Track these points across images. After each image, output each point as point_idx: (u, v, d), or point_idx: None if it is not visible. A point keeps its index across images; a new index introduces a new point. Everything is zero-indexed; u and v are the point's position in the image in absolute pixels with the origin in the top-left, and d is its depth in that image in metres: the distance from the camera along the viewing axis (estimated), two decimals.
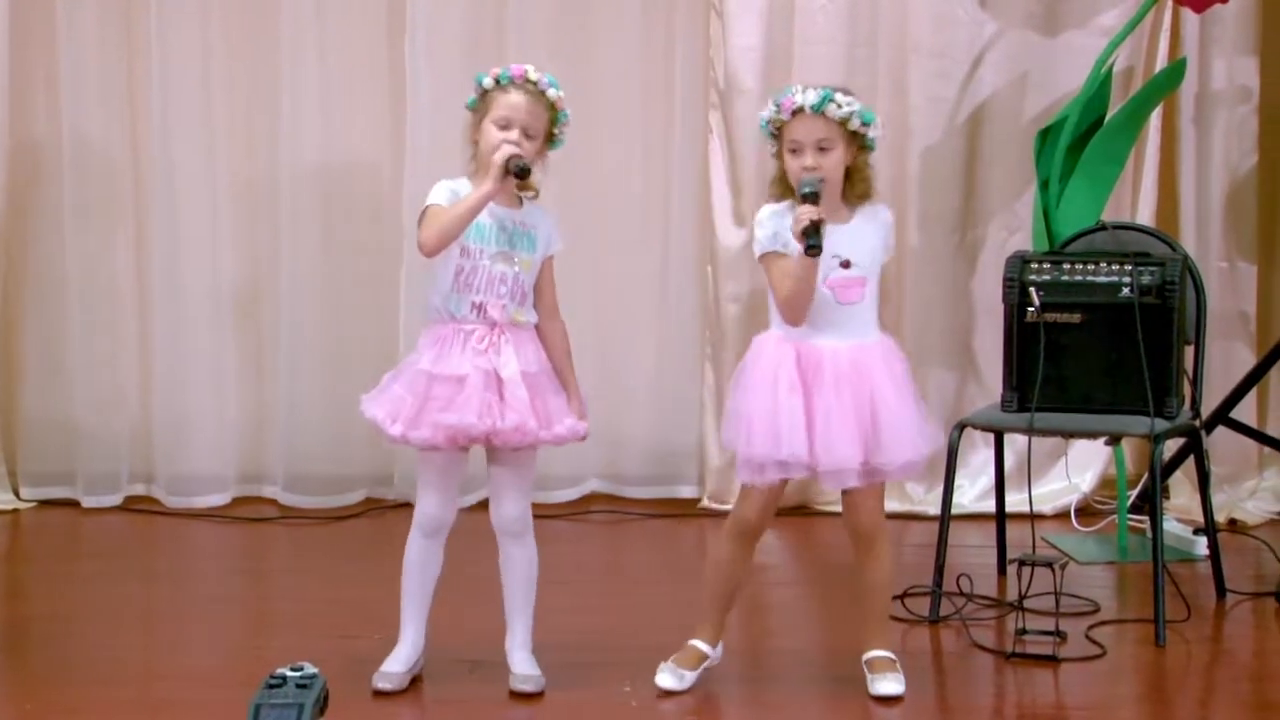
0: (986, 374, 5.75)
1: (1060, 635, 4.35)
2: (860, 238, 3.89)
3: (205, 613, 4.74)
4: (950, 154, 5.79)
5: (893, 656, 4.01)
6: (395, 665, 3.99)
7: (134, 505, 5.91)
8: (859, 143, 3.86)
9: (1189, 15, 5.64)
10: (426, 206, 3.86)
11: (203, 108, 5.85)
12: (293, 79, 5.82)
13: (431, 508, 3.99)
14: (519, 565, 4.02)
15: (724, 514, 5.48)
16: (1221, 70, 5.76)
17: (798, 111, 3.83)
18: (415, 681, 4.02)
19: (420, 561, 4.02)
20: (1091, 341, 4.62)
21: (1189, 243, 5.63)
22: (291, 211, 5.85)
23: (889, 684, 3.94)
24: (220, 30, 5.84)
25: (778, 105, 3.86)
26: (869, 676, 3.97)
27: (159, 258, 5.87)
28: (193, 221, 5.89)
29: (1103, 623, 4.53)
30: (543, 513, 5.67)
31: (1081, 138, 5.34)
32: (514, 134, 3.86)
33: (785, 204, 3.87)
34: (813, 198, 3.75)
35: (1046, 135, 5.40)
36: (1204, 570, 4.94)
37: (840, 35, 5.74)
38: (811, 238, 3.69)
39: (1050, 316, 4.63)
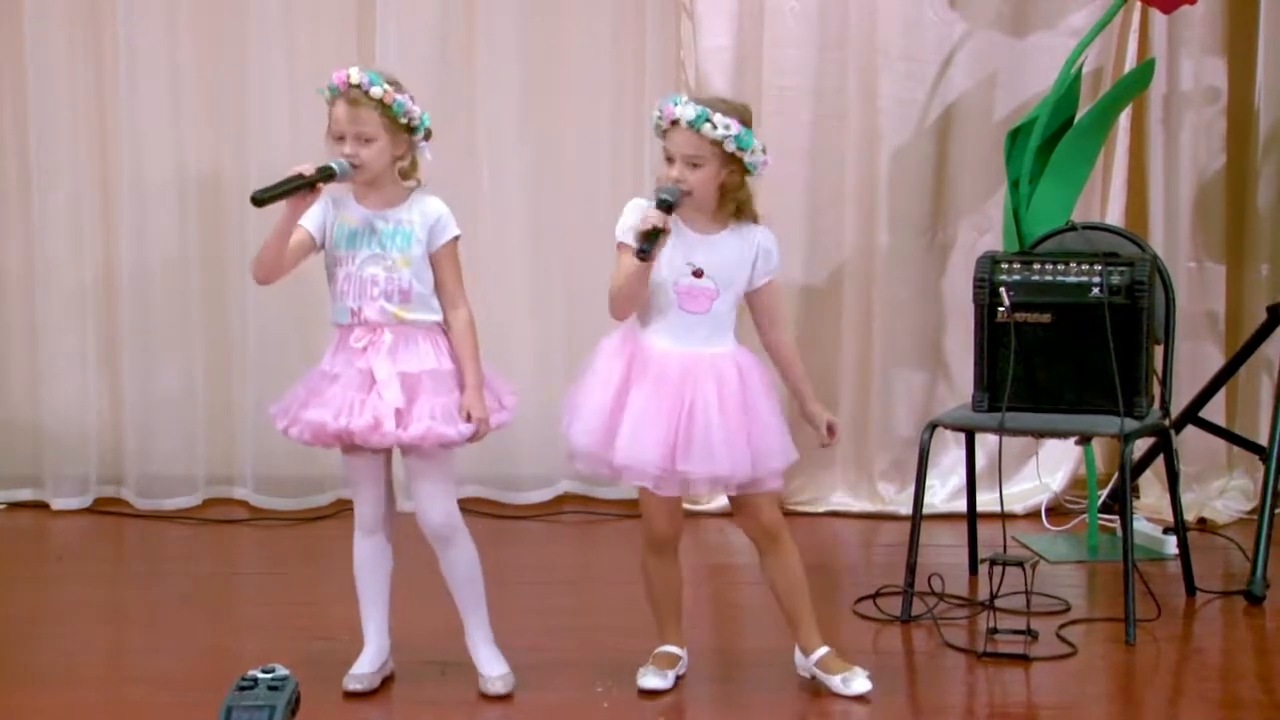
0: (957, 374, 5.76)
1: (1031, 634, 4.36)
2: (723, 253, 3.89)
3: (176, 615, 4.72)
4: (920, 155, 5.79)
5: (834, 650, 4.01)
6: (364, 666, 3.99)
7: (103, 507, 5.89)
8: (736, 164, 3.84)
9: (1157, 16, 5.66)
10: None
11: (170, 108, 5.83)
12: (260, 79, 5.80)
13: (361, 508, 4.03)
14: (458, 568, 4.01)
15: (695, 514, 5.52)
16: (1190, 71, 5.78)
17: (675, 122, 3.83)
18: (387, 683, 4.02)
19: (367, 560, 4.04)
20: (1061, 341, 4.64)
21: (1158, 243, 5.64)
22: (259, 212, 5.78)
23: (859, 681, 3.95)
24: (188, 31, 5.81)
25: (660, 112, 3.87)
26: (828, 679, 3.98)
27: (126, 259, 5.84)
28: (160, 223, 5.86)
29: (1073, 622, 4.54)
30: (514, 514, 5.72)
31: (1051, 138, 5.36)
32: (348, 146, 3.85)
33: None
34: (664, 205, 3.78)
35: (1016, 136, 5.41)
36: (1174, 569, 4.96)
37: (810, 37, 5.74)
38: (644, 242, 3.73)
39: (1020, 316, 4.64)
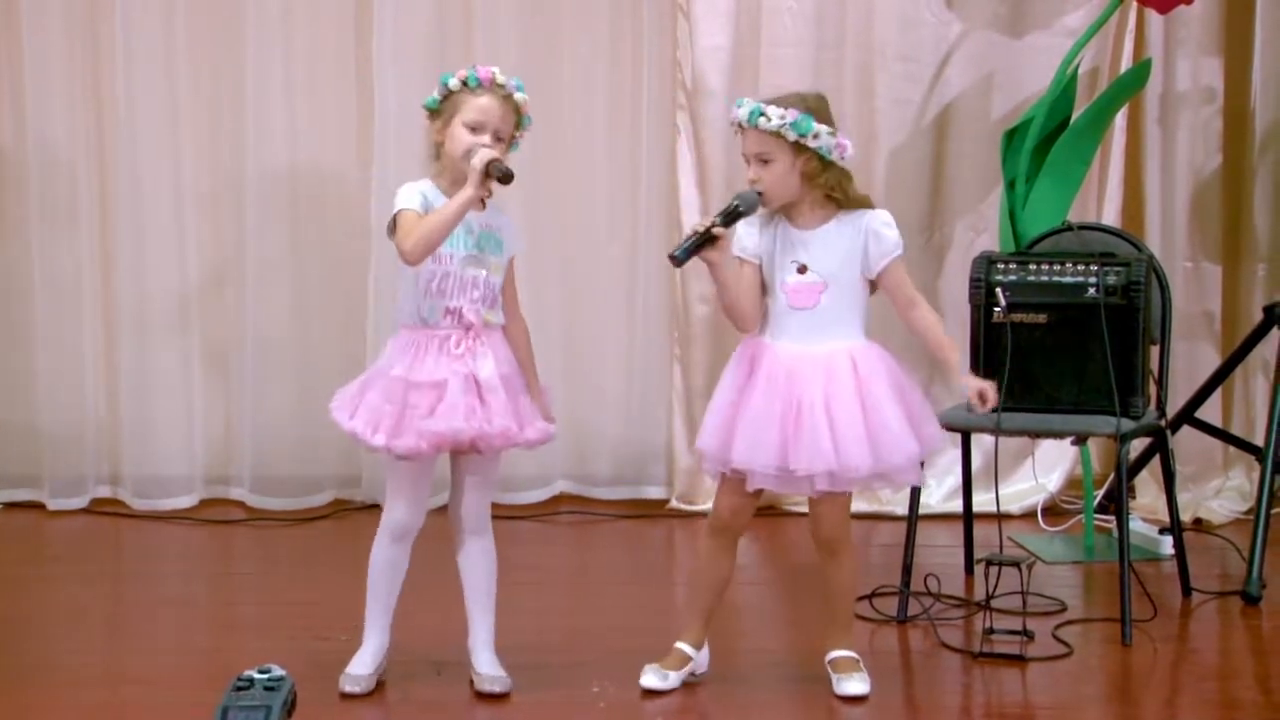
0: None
1: (1027, 635, 4.36)
2: (826, 244, 3.90)
3: (172, 615, 4.72)
4: (917, 155, 5.80)
5: (856, 656, 4.03)
6: (361, 668, 3.98)
7: (100, 508, 5.88)
8: (809, 152, 3.86)
9: (1154, 16, 5.66)
10: (397, 211, 3.84)
11: (168, 110, 5.83)
12: (258, 81, 5.79)
13: (401, 514, 3.98)
14: (478, 560, 4.02)
15: (692, 515, 5.53)
16: (1186, 71, 5.78)
17: (737, 126, 3.89)
18: (380, 683, 4.01)
19: (387, 566, 4.02)
20: (1057, 342, 4.64)
21: (1154, 243, 5.65)
22: (258, 214, 5.83)
23: (855, 684, 3.96)
24: (185, 32, 5.81)
25: (731, 120, 3.93)
26: (834, 676, 3.99)
27: (124, 261, 5.85)
28: (158, 224, 5.86)
29: (1069, 622, 4.54)
30: (510, 514, 5.71)
31: (1047, 138, 5.36)
32: (486, 137, 3.85)
33: (763, 212, 3.92)
34: (731, 214, 3.84)
35: (1012, 136, 5.42)
36: (1169, 569, 4.96)
37: (807, 37, 5.75)
38: (678, 250, 3.82)
39: (1017, 317, 4.64)
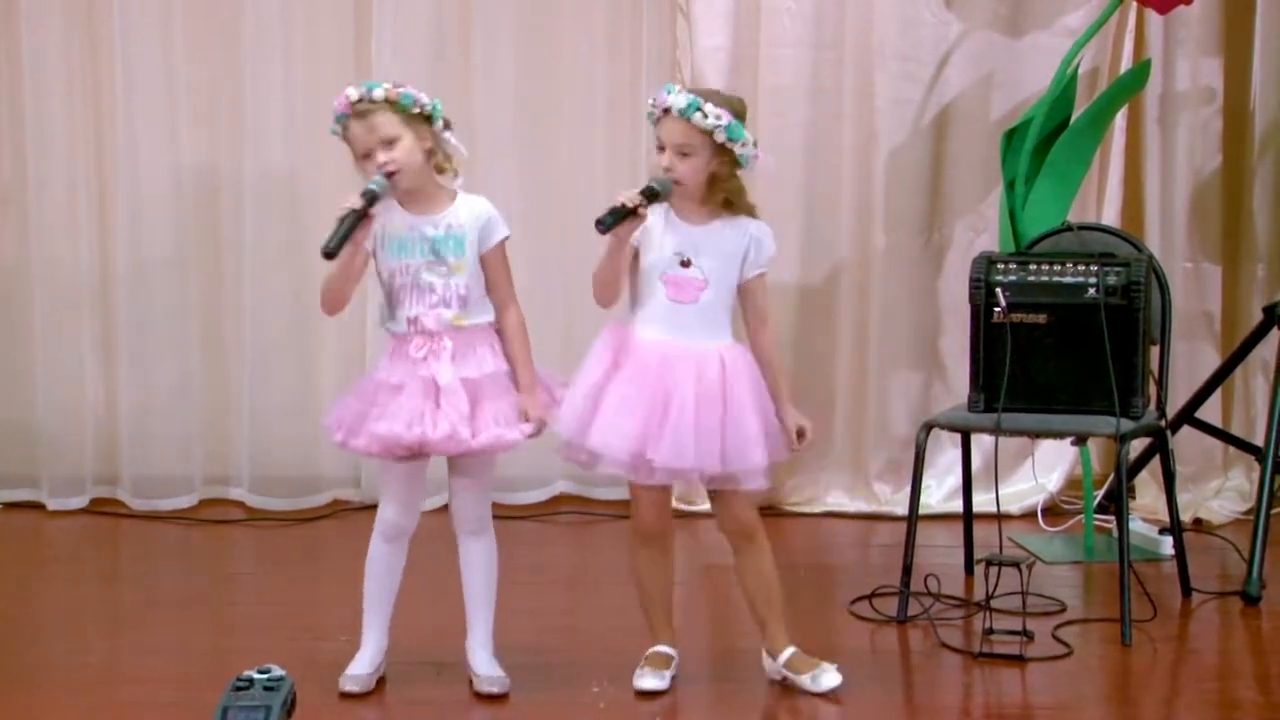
0: (953, 374, 5.76)
1: (1027, 635, 4.36)
2: (712, 244, 3.90)
3: (171, 615, 4.72)
4: (916, 155, 5.79)
5: (800, 650, 4.02)
6: (360, 668, 3.98)
7: (99, 508, 5.88)
8: (728, 155, 3.85)
9: (1153, 16, 5.66)
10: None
11: (167, 109, 5.83)
12: (257, 80, 5.79)
13: (392, 514, 3.99)
14: (478, 560, 4.02)
15: (692, 515, 5.52)
16: (1186, 71, 5.78)
17: (667, 111, 3.85)
18: (380, 683, 4.01)
19: (382, 566, 4.02)
20: (1057, 342, 4.64)
21: (1154, 243, 5.64)
22: (257, 213, 5.82)
23: (829, 676, 3.96)
24: (184, 32, 5.80)
25: (654, 101, 3.89)
26: (797, 678, 3.99)
27: (122, 260, 5.84)
28: (157, 224, 5.86)
29: (1069, 622, 4.54)
30: (511, 514, 5.71)
31: (1047, 139, 5.36)
32: (380, 156, 3.82)
33: None
34: (649, 193, 3.80)
35: (1012, 136, 5.42)
36: (1169, 569, 4.95)
37: (806, 37, 5.74)
38: (607, 214, 3.75)
39: (1016, 317, 4.64)
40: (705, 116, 3.80)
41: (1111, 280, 4.59)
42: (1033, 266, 4.68)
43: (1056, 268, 4.65)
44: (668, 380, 3.84)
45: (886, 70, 5.75)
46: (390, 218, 3.88)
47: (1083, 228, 5.01)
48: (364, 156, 3.85)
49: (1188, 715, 4.01)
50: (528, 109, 5.88)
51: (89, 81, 5.81)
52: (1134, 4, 5.57)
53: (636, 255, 3.91)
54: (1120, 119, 5.71)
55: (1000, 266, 4.70)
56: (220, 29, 5.81)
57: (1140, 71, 5.59)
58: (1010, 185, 5.37)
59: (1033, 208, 5.32)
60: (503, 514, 5.72)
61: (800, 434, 4.00)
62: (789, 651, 4.01)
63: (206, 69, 5.84)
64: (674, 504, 5.80)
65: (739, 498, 3.96)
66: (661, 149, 3.87)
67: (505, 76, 5.84)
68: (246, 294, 5.84)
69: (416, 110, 3.87)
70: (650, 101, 3.91)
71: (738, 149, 3.84)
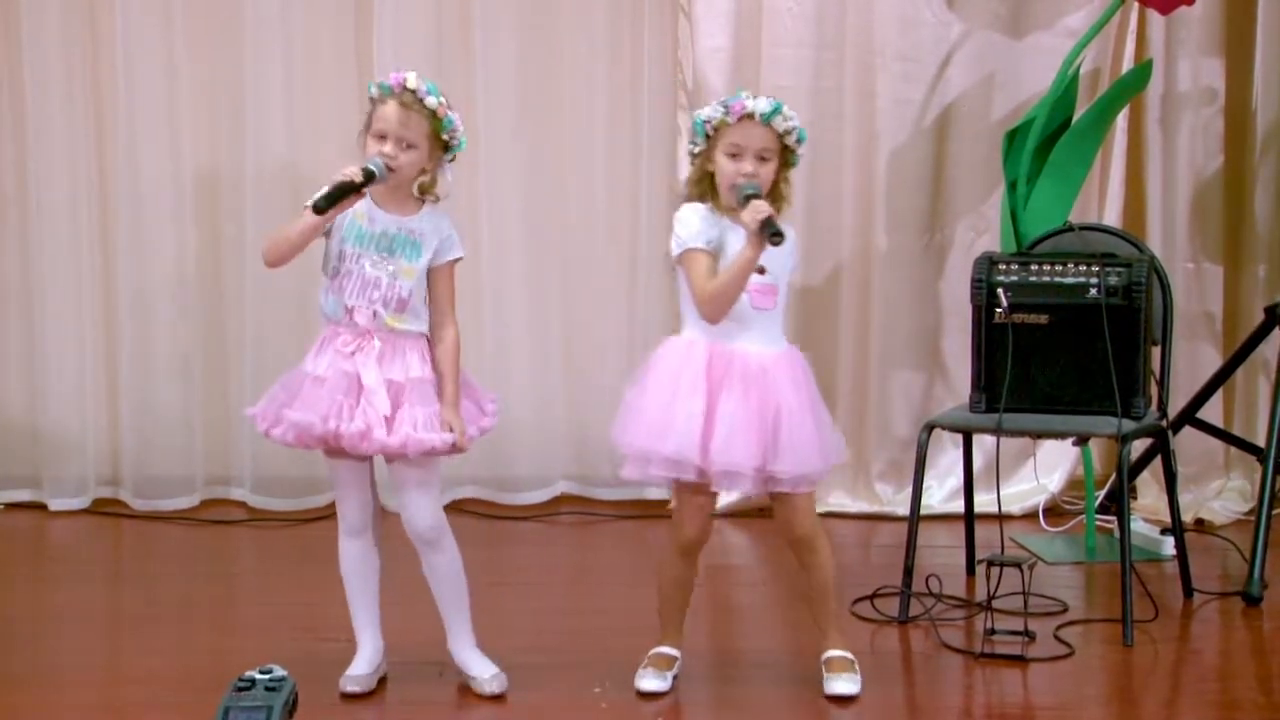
0: (954, 375, 5.76)
1: (1029, 635, 4.36)
2: (779, 249, 3.89)
3: (173, 615, 4.72)
4: (918, 156, 5.80)
5: (850, 656, 4.03)
6: (360, 668, 3.99)
7: (101, 508, 5.88)
8: (787, 158, 3.90)
9: (1155, 17, 5.66)
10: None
11: (167, 107, 5.83)
12: (258, 79, 5.80)
13: (347, 509, 4.03)
14: (442, 570, 4.01)
15: None
16: (1187, 72, 5.78)
17: (746, 117, 3.85)
18: (381, 684, 4.02)
19: (355, 563, 4.05)
20: (1059, 342, 4.64)
21: (1155, 244, 5.65)
22: (257, 211, 5.82)
23: (843, 683, 3.97)
24: (184, 31, 5.80)
25: (726, 108, 3.88)
26: (825, 676, 4.00)
27: (124, 259, 5.84)
28: (158, 224, 5.86)
29: (1071, 623, 4.54)
30: (512, 514, 5.72)
31: (1049, 139, 5.36)
32: (388, 146, 3.84)
33: (708, 204, 3.90)
34: (757, 197, 3.78)
35: (1014, 137, 5.42)
36: (1171, 570, 4.96)
37: (807, 37, 5.74)
38: (773, 227, 3.71)
39: (1018, 317, 4.64)
40: (785, 119, 3.85)
41: (1113, 281, 4.59)
42: (1034, 267, 4.68)
43: (1058, 268, 4.65)
44: (773, 389, 3.85)
45: (888, 70, 5.75)
46: (357, 205, 3.88)
47: (1084, 228, 5.01)
48: (378, 136, 3.86)
49: (1189, 716, 4.01)
50: (529, 109, 5.88)
51: (89, 82, 5.81)
52: (1135, 4, 5.57)
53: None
54: (1122, 119, 5.71)
55: (1002, 267, 4.70)
56: (221, 28, 5.81)
57: (1142, 72, 5.59)
58: (1012, 186, 5.37)
59: (1034, 208, 5.32)
60: (504, 515, 5.76)
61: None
62: (830, 652, 4.04)
63: (208, 68, 5.84)
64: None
65: (804, 501, 3.97)
66: (733, 156, 3.85)
67: (506, 77, 5.84)
68: (248, 293, 5.83)
69: (446, 137, 3.91)
70: (713, 112, 3.89)
71: (799, 150, 3.89)
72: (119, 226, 5.85)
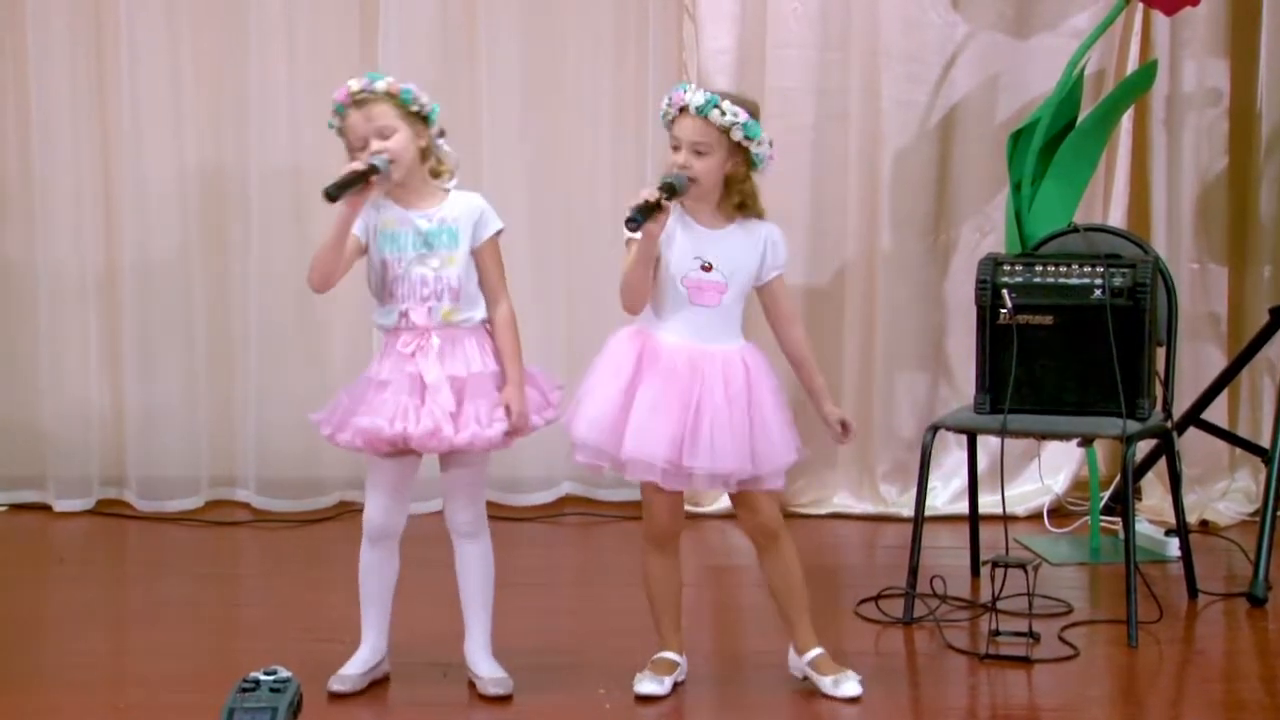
0: (959, 376, 5.75)
1: (1033, 636, 4.36)
2: (730, 247, 3.90)
3: (177, 616, 4.72)
4: (922, 157, 5.79)
5: (827, 653, 4.02)
6: (352, 668, 4.00)
7: (105, 509, 5.88)
8: (743, 155, 3.87)
9: (1160, 18, 5.65)
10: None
11: (172, 109, 5.83)
12: (262, 80, 5.80)
13: (377, 514, 4.01)
14: (474, 563, 4.01)
15: (698, 516, 5.52)
16: (1192, 72, 5.77)
17: (682, 110, 3.85)
18: (384, 684, 4.02)
19: (372, 568, 4.04)
20: (1064, 343, 4.64)
21: (1160, 244, 5.64)
22: (262, 214, 5.82)
23: (851, 684, 3.96)
24: (189, 31, 5.81)
25: (669, 99, 3.89)
26: (819, 679, 3.99)
27: (128, 260, 5.85)
28: (163, 225, 5.86)
29: (1076, 624, 4.54)
30: (516, 515, 5.71)
31: (1053, 140, 5.35)
32: (373, 145, 3.84)
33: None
34: (667, 188, 3.77)
35: (1018, 138, 5.41)
36: (1176, 571, 4.96)
37: (812, 38, 5.74)
38: (635, 212, 3.71)
39: (1023, 318, 4.64)
40: (722, 114, 3.81)
41: (1118, 281, 4.59)
42: (1039, 268, 4.68)
43: (1063, 269, 4.65)
44: (697, 384, 3.85)
45: (892, 72, 5.75)
46: (385, 213, 3.90)
47: (1089, 229, 5.01)
48: (360, 148, 3.87)
49: (1193, 717, 4.00)
50: (534, 110, 5.88)
51: (94, 81, 5.82)
52: (1140, 5, 5.56)
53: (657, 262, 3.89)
54: (1126, 120, 5.71)
55: (1006, 268, 4.70)
56: (226, 28, 5.81)
57: (1146, 73, 5.59)
58: (1016, 186, 5.37)
59: (1039, 209, 5.31)
60: (509, 516, 5.76)
61: (845, 427, 4.02)
62: (815, 652, 4.02)
63: (212, 68, 5.84)
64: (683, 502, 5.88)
65: (764, 498, 3.96)
66: (676, 148, 3.86)
67: (510, 78, 5.84)
68: (252, 294, 5.84)
69: (415, 108, 3.90)
70: (665, 101, 3.91)
71: (754, 148, 3.85)
72: (123, 227, 5.85)
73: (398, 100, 3.87)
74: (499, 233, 3.98)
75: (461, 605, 4.04)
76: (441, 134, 3.98)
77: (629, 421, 3.83)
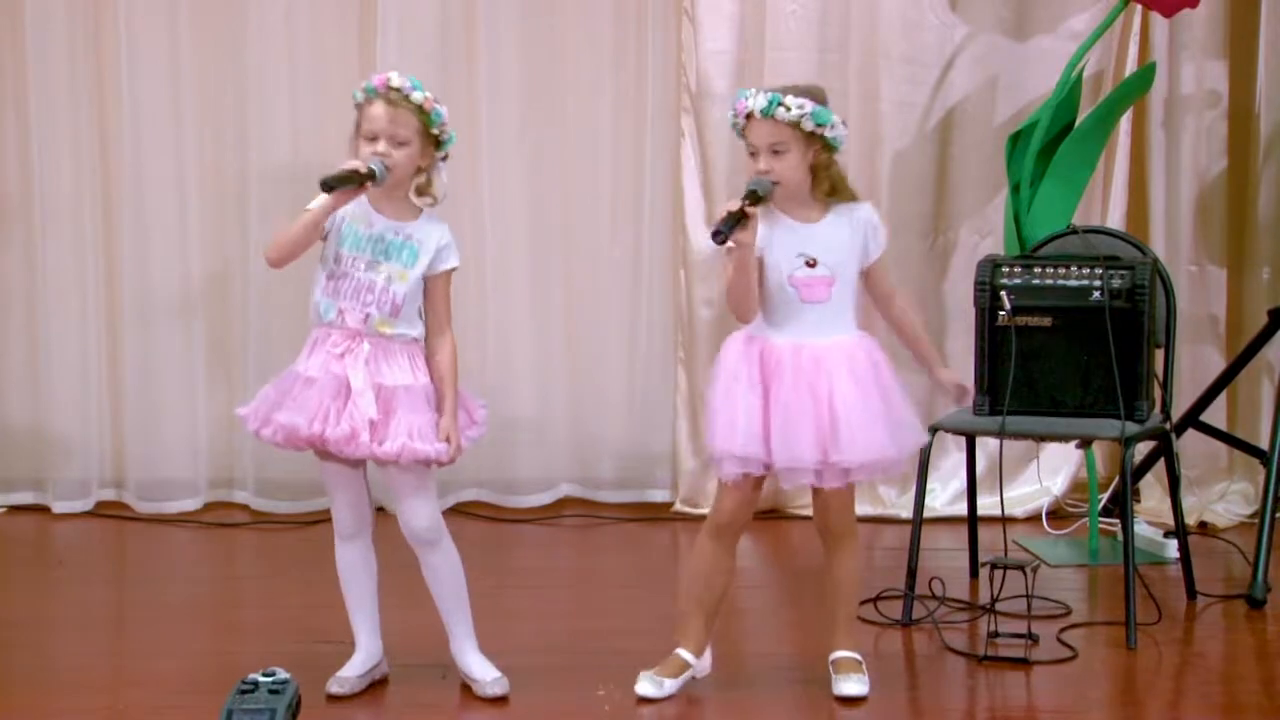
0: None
1: (1032, 638, 4.36)
2: (830, 238, 3.90)
3: (177, 618, 4.72)
4: (921, 158, 5.80)
5: (858, 657, 4.03)
6: (350, 670, 3.99)
7: (104, 511, 5.88)
8: (819, 143, 3.86)
9: (1158, 19, 5.66)
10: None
11: (171, 109, 5.83)
12: (262, 80, 5.80)
13: (340, 511, 4.02)
14: (442, 573, 4.00)
15: (697, 518, 5.52)
16: (1191, 74, 5.78)
17: (750, 115, 3.85)
18: (382, 686, 4.02)
19: (350, 566, 4.04)
20: (1062, 345, 4.64)
21: (1159, 246, 5.64)
22: (261, 213, 5.82)
23: (853, 685, 3.96)
24: (189, 31, 5.81)
25: (734, 110, 3.89)
26: (834, 677, 3.99)
27: (128, 261, 5.84)
28: (162, 226, 5.86)
29: (1074, 625, 4.54)
30: (515, 517, 5.72)
31: (1052, 142, 5.36)
32: (380, 145, 3.84)
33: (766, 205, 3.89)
34: (752, 196, 3.77)
35: (1017, 139, 5.42)
36: (1174, 573, 4.96)
37: (811, 40, 5.74)
38: (720, 225, 3.71)
39: (1021, 320, 4.65)
40: (788, 110, 3.81)
41: (1116, 283, 4.59)
42: (1037, 269, 4.68)
43: (1061, 271, 4.65)
44: (825, 381, 3.84)
45: (891, 73, 5.75)
46: (355, 208, 3.89)
47: (1087, 231, 5.01)
48: (369, 138, 3.86)
49: (1192, 719, 4.00)
50: (533, 112, 5.88)
51: (94, 83, 5.81)
52: (1139, 7, 5.57)
53: (761, 264, 3.88)
54: (1125, 122, 5.71)
55: (1005, 269, 4.70)
56: (225, 30, 5.81)
57: (1145, 75, 5.59)
58: (1015, 188, 5.37)
59: (1038, 211, 5.32)
60: (507, 517, 5.76)
61: (963, 389, 4.10)
62: (839, 653, 4.02)
63: (211, 69, 5.83)
64: (681, 507, 5.88)
65: (842, 496, 3.96)
66: (754, 154, 3.86)
67: (509, 79, 5.84)
68: (252, 296, 5.84)
69: (436, 131, 3.90)
70: (730, 112, 3.91)
71: (828, 133, 3.84)
72: (123, 229, 5.85)
73: (426, 117, 3.87)
74: (454, 269, 3.97)
75: (440, 612, 4.03)
76: (445, 157, 3.98)
77: (771, 429, 3.83)
